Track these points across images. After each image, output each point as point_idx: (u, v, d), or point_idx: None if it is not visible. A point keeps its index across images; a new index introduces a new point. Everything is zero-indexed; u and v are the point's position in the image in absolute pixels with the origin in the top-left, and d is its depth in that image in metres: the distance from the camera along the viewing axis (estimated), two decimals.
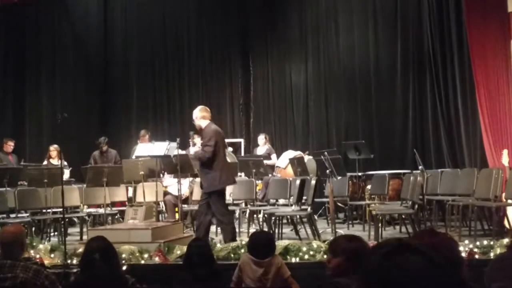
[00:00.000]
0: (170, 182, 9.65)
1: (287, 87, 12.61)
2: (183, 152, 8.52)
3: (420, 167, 8.96)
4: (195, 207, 8.83)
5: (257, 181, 9.55)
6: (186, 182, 9.49)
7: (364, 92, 11.97)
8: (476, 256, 5.96)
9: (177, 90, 13.17)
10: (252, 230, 8.92)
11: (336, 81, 12.21)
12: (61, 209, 7.85)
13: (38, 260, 6.42)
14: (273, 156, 10.64)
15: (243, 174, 9.90)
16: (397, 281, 1.53)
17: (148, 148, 9.46)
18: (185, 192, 9.36)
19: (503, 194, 7.59)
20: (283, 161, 10.28)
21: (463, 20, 10.48)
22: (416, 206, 7.57)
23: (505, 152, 8.52)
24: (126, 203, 9.37)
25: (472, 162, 10.30)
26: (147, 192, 8.89)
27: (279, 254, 6.40)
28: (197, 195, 8.78)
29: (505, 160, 8.41)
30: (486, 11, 10.00)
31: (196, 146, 9.60)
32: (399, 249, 1.60)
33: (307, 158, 10.00)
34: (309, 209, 7.83)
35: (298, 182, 8.11)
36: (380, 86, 11.88)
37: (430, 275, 1.55)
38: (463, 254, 5.87)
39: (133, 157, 9.78)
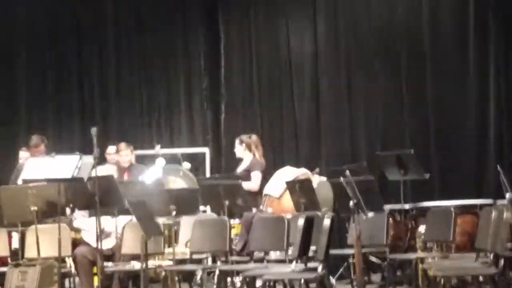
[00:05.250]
0: (84, 224, 7.78)
1: (282, 60, 9.85)
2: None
3: (507, 194, 6.87)
4: (129, 267, 7.05)
5: (232, 221, 7.58)
6: (112, 223, 7.44)
7: (412, 72, 9.36)
8: None
9: (95, 75, 10.16)
10: None
11: (364, 53, 9.61)
12: None
13: None
14: (255, 174, 8.07)
15: (208, 208, 7.84)
16: None
17: (43, 165, 7.41)
18: (110, 241, 7.51)
19: None
20: (276, 186, 8.23)
21: None
22: (502, 262, 6.16)
23: None
24: (9, 260, 7.56)
25: None
26: (44, 242, 7.21)
27: None
28: (131, 246, 7.02)
29: None
30: None
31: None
32: None
33: (317, 179, 8.08)
34: (320, 268, 6.25)
35: (301, 221, 6.48)
36: (438, 62, 9.23)
37: None
38: None
39: (19, 181, 7.72)
